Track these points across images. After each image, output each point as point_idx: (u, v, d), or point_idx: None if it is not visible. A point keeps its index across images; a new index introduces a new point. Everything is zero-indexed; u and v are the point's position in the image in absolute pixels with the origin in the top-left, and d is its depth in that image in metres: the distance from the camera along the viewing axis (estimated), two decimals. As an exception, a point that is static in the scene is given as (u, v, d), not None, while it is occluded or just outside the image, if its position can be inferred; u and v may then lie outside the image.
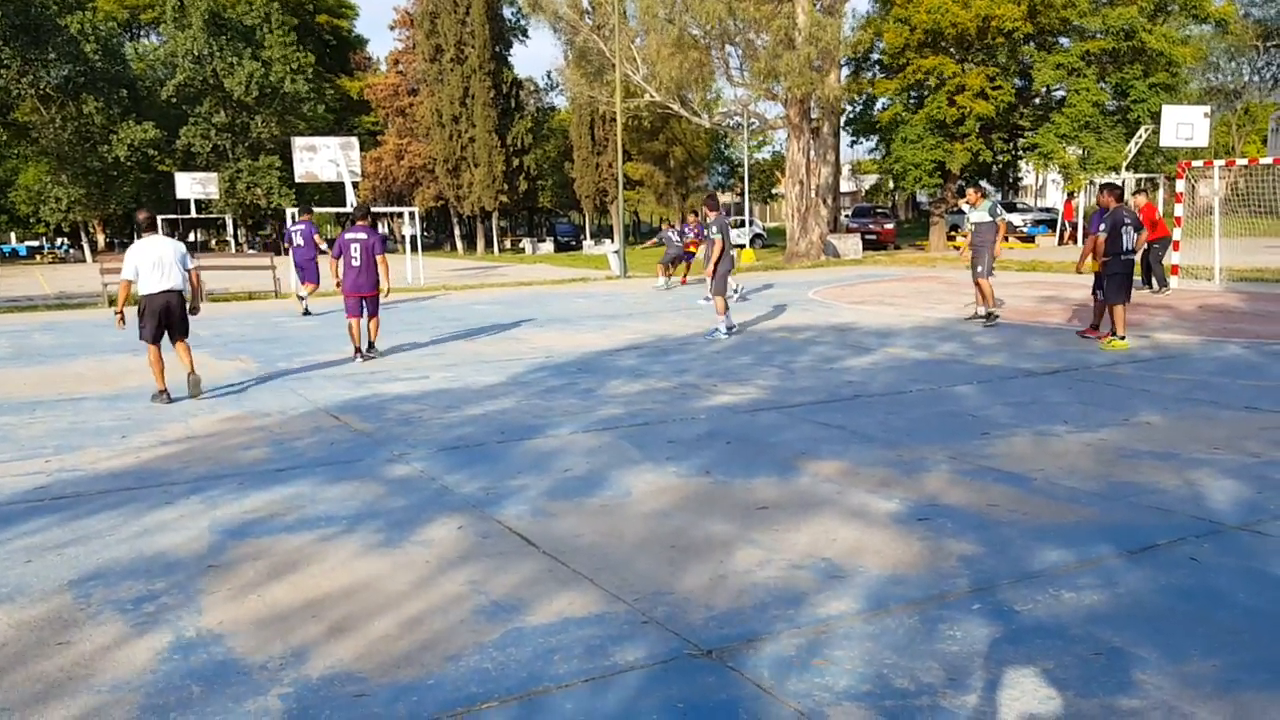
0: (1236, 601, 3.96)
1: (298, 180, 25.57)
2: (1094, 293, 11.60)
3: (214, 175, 45.68)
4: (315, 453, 6.85)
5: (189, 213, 44.20)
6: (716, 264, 12.47)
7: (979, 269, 12.89)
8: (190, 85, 50.92)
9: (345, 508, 5.50)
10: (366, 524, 5.21)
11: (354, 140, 25.64)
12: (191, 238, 59.74)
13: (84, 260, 51.68)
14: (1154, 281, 17.02)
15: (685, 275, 22.62)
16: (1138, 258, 10.55)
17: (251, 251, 52.77)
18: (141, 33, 66.90)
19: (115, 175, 50.73)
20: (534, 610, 4.03)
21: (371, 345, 11.56)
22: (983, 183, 13.30)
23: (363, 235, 11.21)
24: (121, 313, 8.95)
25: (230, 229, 55.33)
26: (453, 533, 5.05)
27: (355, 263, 11.15)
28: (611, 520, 5.20)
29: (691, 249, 21.58)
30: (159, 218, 48.78)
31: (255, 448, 7.04)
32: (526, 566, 4.54)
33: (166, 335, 8.98)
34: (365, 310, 11.33)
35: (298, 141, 25.40)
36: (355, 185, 25.58)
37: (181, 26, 50.48)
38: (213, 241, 64.87)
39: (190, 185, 42.73)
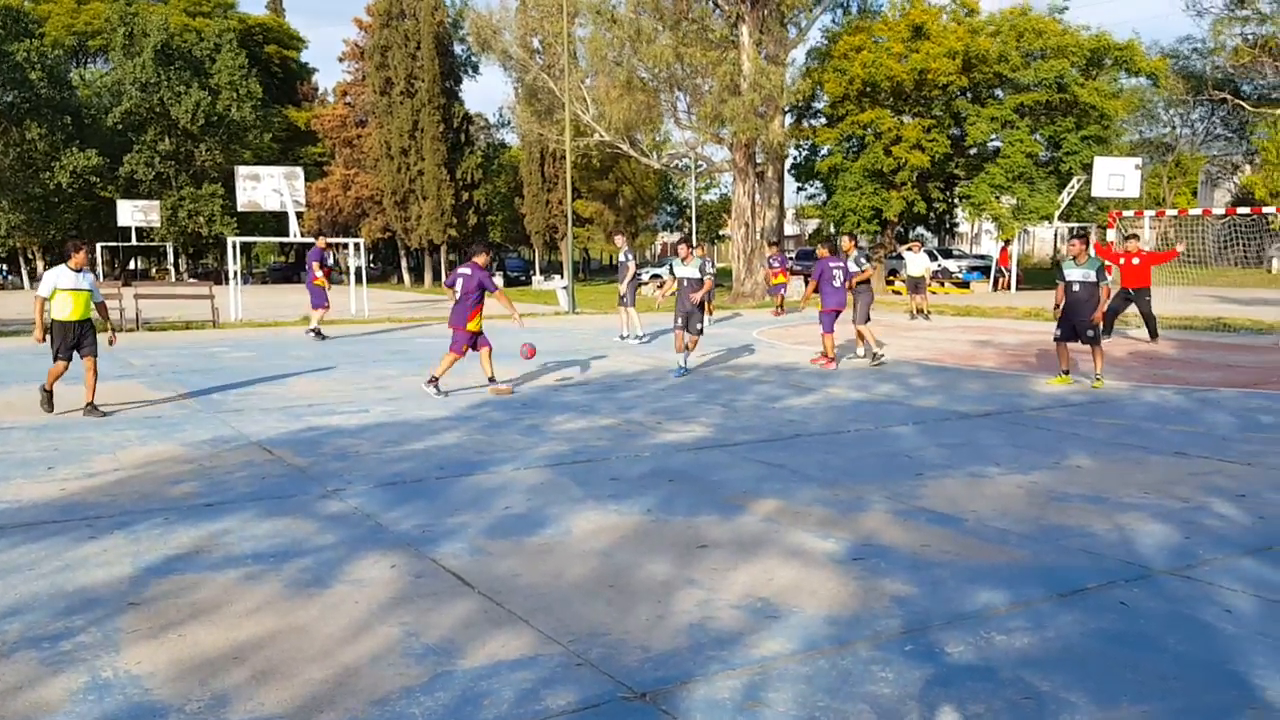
0: (1166, 646, 4.01)
1: (240, 209, 25.27)
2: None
3: (156, 203, 45.02)
4: (246, 487, 6.70)
5: (129, 240, 43.46)
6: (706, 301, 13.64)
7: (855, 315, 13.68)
8: (136, 113, 50.28)
9: (274, 545, 5.38)
10: (296, 562, 5.09)
11: (298, 170, 25.44)
12: (132, 265, 58.67)
13: (21, 287, 50.58)
14: (1110, 330, 17.32)
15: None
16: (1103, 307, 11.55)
17: (192, 281, 51.90)
18: (89, 60, 65.95)
19: (56, 202, 49.83)
20: (466, 653, 3.95)
21: (492, 379, 11.10)
22: (844, 238, 14.31)
23: (467, 271, 10.97)
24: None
25: (171, 257, 54.43)
26: (386, 572, 4.95)
27: (457, 296, 11.00)
28: (551, 560, 5.15)
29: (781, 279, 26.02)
30: (100, 245, 48.02)
31: (184, 482, 6.87)
32: (461, 607, 4.47)
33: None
34: (475, 343, 11.06)
35: (241, 170, 25.15)
36: (299, 215, 25.34)
37: (131, 55, 49.90)
38: (153, 270, 63.75)
39: (132, 213, 42.13)
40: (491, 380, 11.09)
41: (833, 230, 33.71)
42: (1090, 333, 11.34)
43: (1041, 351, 14.96)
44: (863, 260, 13.80)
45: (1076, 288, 11.41)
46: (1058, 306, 11.74)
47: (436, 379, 10.95)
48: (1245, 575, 4.85)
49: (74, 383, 10.27)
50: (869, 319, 13.81)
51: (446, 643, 4.06)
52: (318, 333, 18.29)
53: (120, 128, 50.83)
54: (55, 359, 9.73)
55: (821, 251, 13.56)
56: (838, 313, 13.32)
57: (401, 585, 4.76)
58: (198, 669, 3.80)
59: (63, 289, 9.65)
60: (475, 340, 11.07)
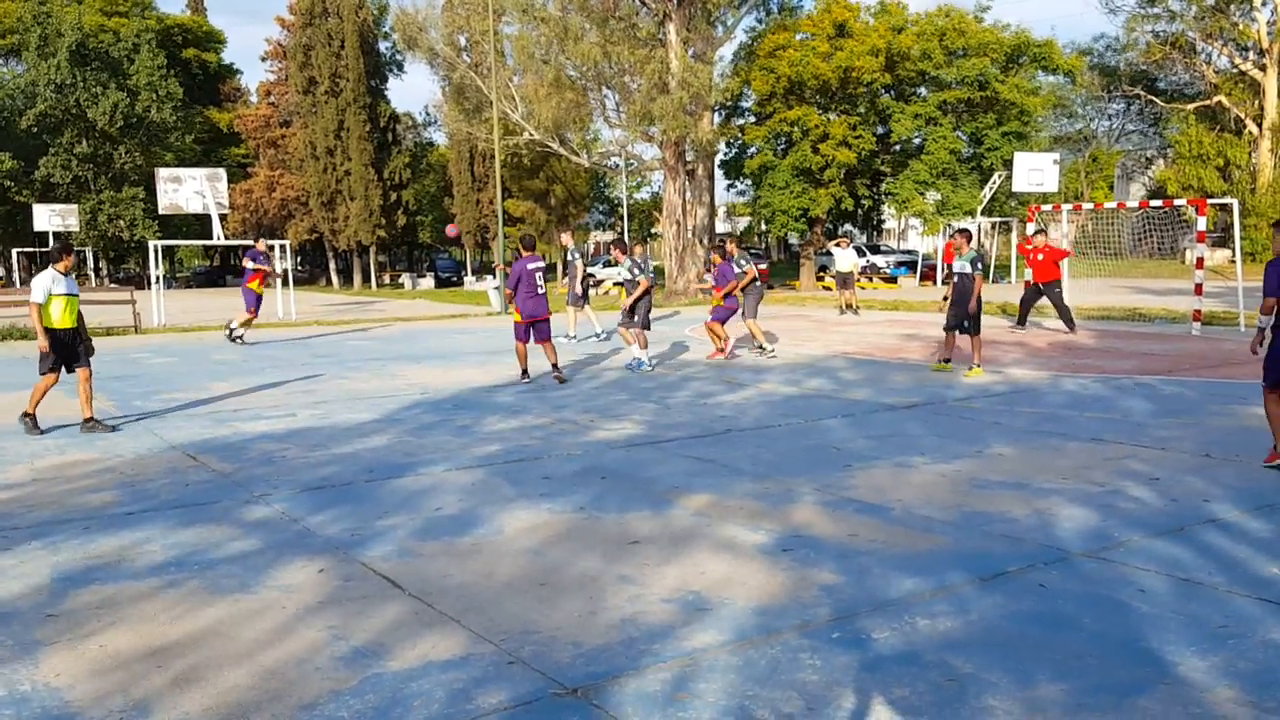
0: (1082, 626, 4.13)
1: (161, 212, 24.68)
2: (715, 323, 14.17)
3: (74, 207, 43.72)
4: (168, 494, 6.55)
5: (47, 245, 42.12)
6: (637, 300, 13.27)
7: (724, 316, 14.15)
8: (51, 115, 48.67)
9: (198, 552, 5.27)
10: (220, 569, 5.00)
11: (221, 171, 24.93)
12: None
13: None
14: (1024, 321, 17.77)
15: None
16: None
17: (113, 286, 50.49)
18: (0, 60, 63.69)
19: (-32, 207, 48.10)
20: (396, 655, 3.93)
21: (555, 367, 11.86)
22: (729, 241, 15.74)
23: (541, 263, 11.71)
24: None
25: (91, 262, 52.87)
26: (313, 576, 4.89)
27: (540, 290, 11.63)
28: (482, 559, 5.13)
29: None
30: (16, 250, 46.48)
31: (104, 490, 6.70)
32: (390, 609, 4.43)
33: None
34: (534, 335, 11.78)
35: (162, 173, 24.56)
36: (223, 218, 24.83)
37: (45, 55, 48.29)
38: (73, 275, 61.97)
39: (49, 217, 40.88)
40: (555, 367, 11.85)
41: (763, 228, 34.03)
42: (965, 324, 11.85)
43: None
44: (743, 263, 14.42)
45: (956, 279, 12.01)
46: (945, 299, 12.46)
47: (556, 365, 11.85)
48: (1158, 556, 5.02)
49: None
50: (756, 315, 14.62)
51: (376, 645, 4.02)
52: (233, 334, 17.85)
53: (35, 130, 49.19)
54: (44, 372, 9.03)
55: (716, 258, 14.50)
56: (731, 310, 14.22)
57: (329, 589, 4.70)
58: (119, 678, 3.72)
59: (58, 294, 9.03)
60: (538, 331, 11.74)
